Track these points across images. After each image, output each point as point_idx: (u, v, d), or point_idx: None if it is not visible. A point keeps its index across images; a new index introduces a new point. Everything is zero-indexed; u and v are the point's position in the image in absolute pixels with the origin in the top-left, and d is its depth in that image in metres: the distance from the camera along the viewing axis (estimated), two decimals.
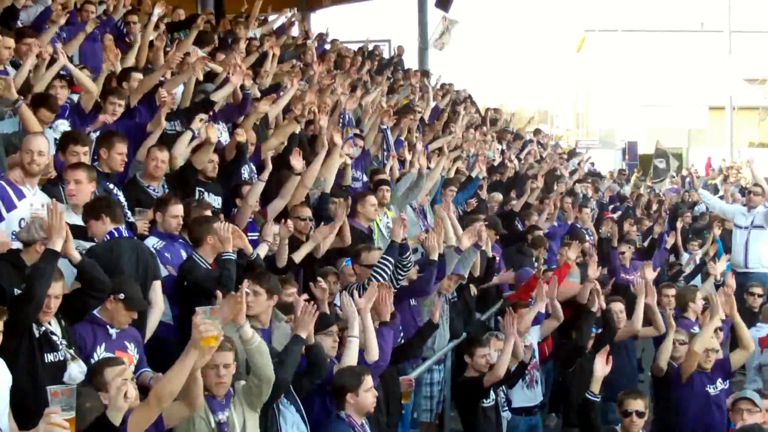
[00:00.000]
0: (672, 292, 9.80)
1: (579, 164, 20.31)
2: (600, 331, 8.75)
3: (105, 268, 5.65)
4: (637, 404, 6.81)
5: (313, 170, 8.57)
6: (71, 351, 5.16)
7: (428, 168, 11.13)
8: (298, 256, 7.57)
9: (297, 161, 8.28)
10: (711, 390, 7.78)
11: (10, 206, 6.03)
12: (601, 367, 7.24)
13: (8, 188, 6.07)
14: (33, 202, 6.11)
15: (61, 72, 8.46)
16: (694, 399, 7.76)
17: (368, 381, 5.90)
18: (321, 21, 25.60)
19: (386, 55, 20.87)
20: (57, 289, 5.09)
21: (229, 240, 6.59)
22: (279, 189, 8.27)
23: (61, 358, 5.09)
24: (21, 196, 6.10)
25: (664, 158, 24.35)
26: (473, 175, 12.83)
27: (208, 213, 7.17)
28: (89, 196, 6.37)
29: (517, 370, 7.95)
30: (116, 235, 6.07)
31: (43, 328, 5.06)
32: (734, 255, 12.41)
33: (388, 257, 7.52)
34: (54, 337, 5.10)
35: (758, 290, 10.72)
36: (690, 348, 7.82)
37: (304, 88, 11.62)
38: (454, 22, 23.53)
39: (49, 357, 5.04)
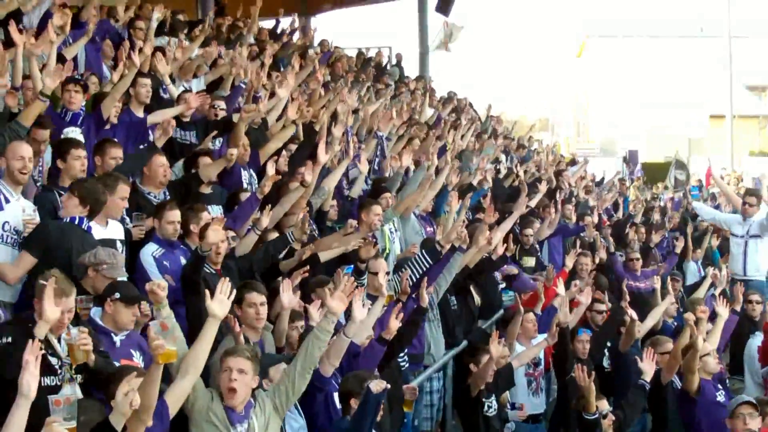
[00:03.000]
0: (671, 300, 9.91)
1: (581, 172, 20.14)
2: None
3: (48, 247, 5.71)
4: (605, 404, 7.01)
5: (313, 178, 8.57)
6: (71, 372, 4.98)
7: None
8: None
9: (309, 174, 8.29)
10: (720, 398, 7.70)
11: None
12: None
13: None
14: (25, 207, 6.17)
15: (77, 76, 8.51)
16: (708, 411, 7.57)
17: None
18: (321, 26, 25.53)
19: (386, 61, 20.87)
20: (69, 303, 4.99)
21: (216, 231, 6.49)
22: (279, 196, 8.29)
23: (58, 383, 4.92)
24: (6, 200, 6.10)
25: (683, 170, 24.66)
26: (473, 182, 12.81)
27: (206, 215, 7.16)
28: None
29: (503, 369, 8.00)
30: (75, 222, 6.03)
31: (41, 352, 4.81)
32: (733, 263, 12.48)
33: (427, 258, 7.86)
34: (53, 360, 4.93)
35: (756, 297, 10.73)
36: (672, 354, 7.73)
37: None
38: (459, 28, 23.60)
39: (46, 381, 4.85)
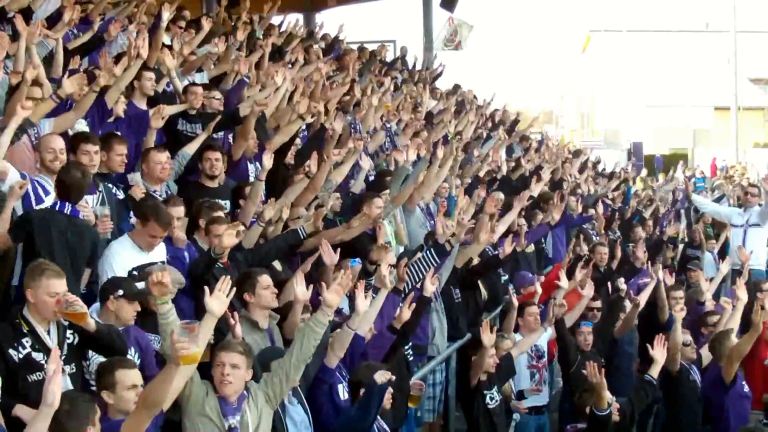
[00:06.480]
0: (680, 294, 9.84)
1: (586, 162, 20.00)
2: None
3: (33, 234, 5.74)
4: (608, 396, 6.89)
5: (323, 174, 8.57)
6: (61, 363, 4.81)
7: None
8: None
9: (314, 165, 8.36)
10: (746, 389, 7.74)
11: (39, 201, 6.15)
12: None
13: (35, 185, 6.17)
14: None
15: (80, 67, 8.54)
16: (736, 401, 7.62)
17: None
18: (326, 21, 25.45)
19: (391, 56, 20.81)
20: (61, 287, 4.94)
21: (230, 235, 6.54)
22: (284, 188, 8.30)
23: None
24: (46, 192, 6.19)
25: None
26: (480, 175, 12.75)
27: (220, 214, 7.15)
28: None
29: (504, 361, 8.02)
30: (57, 207, 6.00)
31: (26, 351, 4.87)
32: (732, 253, 12.52)
33: (435, 257, 7.83)
34: (38, 355, 4.90)
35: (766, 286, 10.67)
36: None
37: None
38: (469, 27, 23.62)
39: (33, 377, 4.87)
